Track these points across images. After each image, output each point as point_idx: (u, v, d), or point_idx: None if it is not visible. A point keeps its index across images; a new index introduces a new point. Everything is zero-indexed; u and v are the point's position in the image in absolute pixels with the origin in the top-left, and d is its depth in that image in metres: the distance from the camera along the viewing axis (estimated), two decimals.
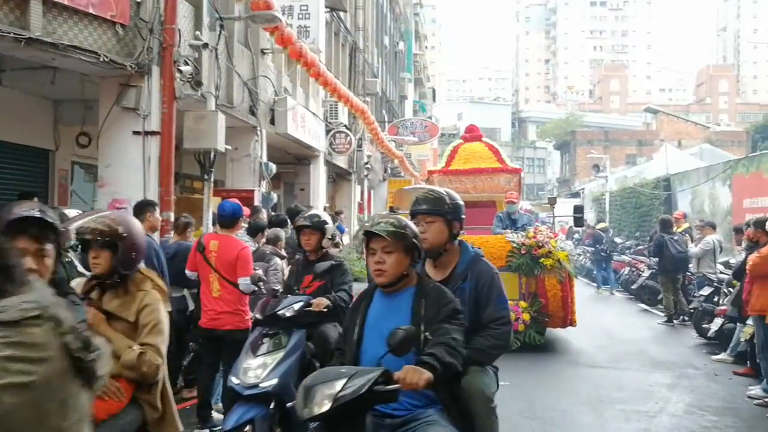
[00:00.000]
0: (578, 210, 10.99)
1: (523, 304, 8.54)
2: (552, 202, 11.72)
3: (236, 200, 5.87)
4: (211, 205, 8.87)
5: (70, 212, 5.89)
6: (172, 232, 6.76)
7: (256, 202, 10.31)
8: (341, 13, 17.27)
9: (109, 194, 7.18)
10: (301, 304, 4.45)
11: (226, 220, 5.48)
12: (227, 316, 5.24)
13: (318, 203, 14.86)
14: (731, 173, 16.95)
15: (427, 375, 2.41)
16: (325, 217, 5.08)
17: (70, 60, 6.48)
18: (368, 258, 2.88)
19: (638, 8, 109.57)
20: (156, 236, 6.67)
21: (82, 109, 8.70)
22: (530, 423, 5.63)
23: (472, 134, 11.81)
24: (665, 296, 11.78)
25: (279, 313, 4.37)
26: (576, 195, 37.02)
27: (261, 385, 4.03)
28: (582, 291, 9.41)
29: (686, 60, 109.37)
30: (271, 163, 10.93)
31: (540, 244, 8.60)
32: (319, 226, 4.89)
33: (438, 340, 2.64)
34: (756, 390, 6.58)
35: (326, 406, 2.26)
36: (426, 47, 52.39)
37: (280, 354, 4.22)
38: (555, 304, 8.59)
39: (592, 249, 18.07)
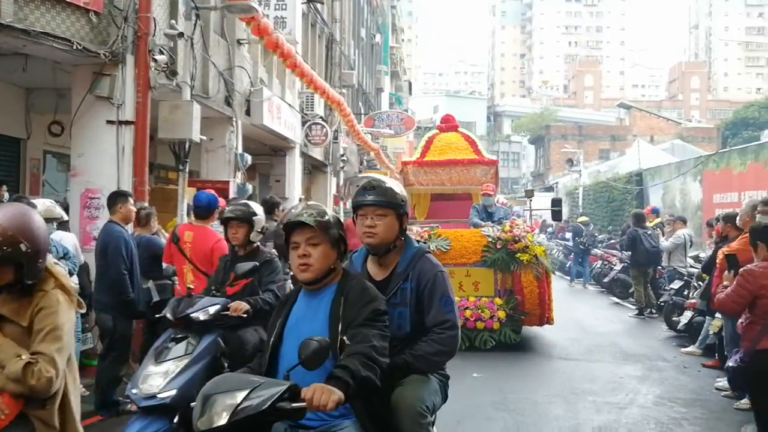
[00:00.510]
0: (556, 203, 10.64)
1: (498, 301, 8.38)
2: (529, 194, 11.40)
3: (212, 191, 5.83)
4: (186, 196, 8.78)
5: (40, 202, 5.81)
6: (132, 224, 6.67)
7: (231, 193, 10.24)
8: (318, 5, 17.14)
9: (82, 184, 7.07)
10: (218, 307, 3.97)
11: (202, 210, 5.44)
12: None
13: (293, 195, 14.80)
14: (702, 169, 17.25)
15: (337, 396, 2.15)
16: (255, 207, 4.67)
17: (42, 47, 6.35)
18: (291, 253, 2.62)
19: (612, 5, 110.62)
20: (130, 227, 6.60)
21: (54, 97, 8.56)
22: (503, 414, 5.70)
23: (449, 124, 11.40)
24: (636, 289, 11.98)
25: (192, 315, 3.87)
26: (550, 189, 37.34)
27: (159, 395, 3.53)
28: (555, 284, 9.47)
29: (659, 57, 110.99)
30: (246, 154, 10.85)
31: (516, 238, 8.38)
32: (246, 218, 4.49)
33: (354, 350, 2.39)
34: (724, 382, 6.71)
35: (224, 419, 2.04)
36: (403, 40, 52.40)
37: (185, 361, 3.70)
38: (531, 301, 8.38)
39: (571, 242, 18.28)
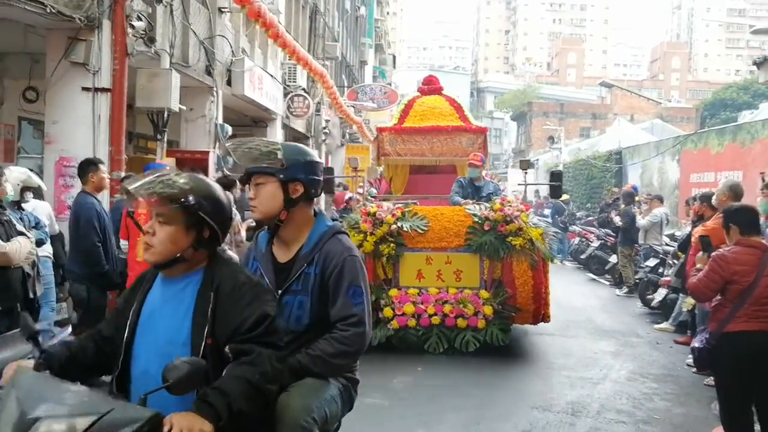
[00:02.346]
0: (556, 177, 8.79)
1: (484, 294, 7.01)
2: (525, 165, 9.33)
3: (163, 162, 5.73)
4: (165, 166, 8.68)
5: (17, 171, 5.70)
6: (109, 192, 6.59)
7: (211, 164, 10.14)
8: None
9: (57, 152, 6.95)
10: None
11: None
12: None
13: None
14: (680, 148, 17.40)
15: (206, 430, 1.79)
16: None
17: (14, 9, 6.15)
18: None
19: None
20: (105, 196, 6.52)
21: (28, 62, 8.35)
22: (477, 391, 5.73)
23: (431, 86, 9.69)
24: (625, 268, 12.01)
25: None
26: (531, 165, 37.44)
27: None
28: None
29: (642, 36, 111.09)
30: (226, 125, 10.73)
31: (508, 218, 6.99)
32: None
33: (238, 372, 1.93)
34: None
35: None
36: (387, 13, 51.79)
37: None
38: (525, 294, 6.99)
39: (551, 219, 18.39)
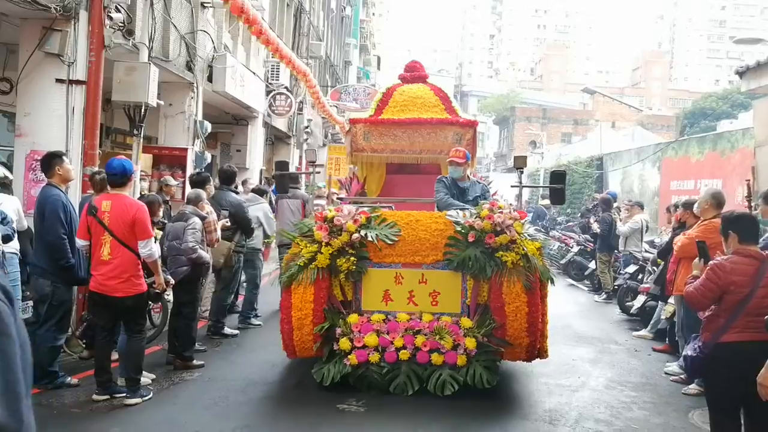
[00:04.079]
0: (558, 178, 7.01)
1: (466, 322, 5.62)
2: (521, 162, 7.20)
3: (124, 157, 5.59)
4: (140, 162, 8.51)
5: None
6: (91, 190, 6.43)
7: (189, 161, 9.98)
8: None
9: (27, 145, 6.75)
10: None
11: (117, 178, 5.19)
12: (116, 282, 5.07)
13: (254, 165, 14.54)
14: (661, 156, 17.50)
15: None
16: None
17: None
18: None
19: None
20: (77, 191, 6.35)
21: (2, 52, 8.15)
22: (452, 397, 5.56)
23: (414, 73, 8.12)
24: (603, 274, 12.02)
25: None
26: (512, 170, 37.63)
27: None
28: None
29: (625, 44, 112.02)
30: (206, 122, 10.57)
31: (498, 227, 5.60)
32: None
33: None
34: (673, 366, 6.85)
35: None
36: (373, 14, 51.80)
37: None
38: (517, 324, 5.52)
39: (531, 224, 18.44)
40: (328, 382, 5.52)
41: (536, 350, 5.77)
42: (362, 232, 5.68)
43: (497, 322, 5.57)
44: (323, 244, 5.63)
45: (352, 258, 5.63)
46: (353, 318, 5.68)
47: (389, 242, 5.70)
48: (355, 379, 5.57)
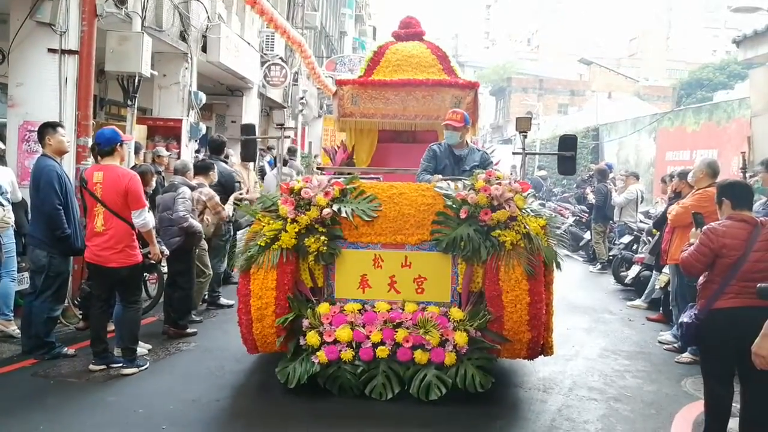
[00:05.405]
0: (568, 144, 5.82)
1: (457, 313, 4.78)
2: (525, 125, 5.86)
3: (114, 127, 5.55)
4: (134, 133, 8.46)
5: None
6: (90, 159, 6.40)
7: (184, 132, 9.92)
8: None
9: (20, 116, 6.70)
10: None
11: (105, 147, 5.16)
12: (110, 253, 5.07)
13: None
14: (657, 126, 17.46)
15: None
16: None
17: None
18: None
19: None
20: (72, 162, 6.32)
21: None
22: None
23: (409, 30, 7.35)
24: (598, 244, 12.06)
25: None
26: (508, 141, 37.48)
27: None
28: None
29: (622, 13, 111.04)
30: (201, 93, 10.49)
31: (496, 202, 4.76)
32: None
33: None
34: (666, 336, 6.92)
35: None
36: None
37: None
38: (516, 316, 4.67)
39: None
40: (293, 383, 4.67)
41: (539, 347, 4.90)
42: (335, 207, 4.84)
43: (493, 313, 4.71)
44: (289, 220, 4.78)
45: (323, 237, 4.78)
46: (324, 308, 4.83)
47: (367, 219, 4.85)
48: (324, 380, 4.74)
